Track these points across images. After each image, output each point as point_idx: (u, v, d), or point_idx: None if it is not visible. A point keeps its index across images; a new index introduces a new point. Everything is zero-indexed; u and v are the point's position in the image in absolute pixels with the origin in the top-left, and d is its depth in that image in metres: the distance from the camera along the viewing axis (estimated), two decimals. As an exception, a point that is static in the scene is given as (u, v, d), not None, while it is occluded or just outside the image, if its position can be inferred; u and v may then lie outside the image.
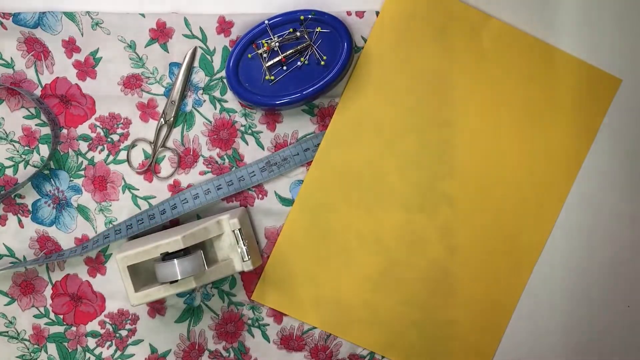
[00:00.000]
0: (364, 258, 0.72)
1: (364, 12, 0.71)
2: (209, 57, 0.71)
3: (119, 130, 0.72)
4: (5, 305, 0.73)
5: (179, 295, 0.72)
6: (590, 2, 0.71)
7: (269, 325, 0.73)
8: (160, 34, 0.71)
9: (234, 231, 0.65)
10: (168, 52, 0.71)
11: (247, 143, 0.72)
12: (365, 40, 0.71)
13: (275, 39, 0.69)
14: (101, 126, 0.72)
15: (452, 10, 0.70)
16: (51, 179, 0.72)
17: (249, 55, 0.69)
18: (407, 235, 0.72)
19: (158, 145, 0.71)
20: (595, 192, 0.72)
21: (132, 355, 0.73)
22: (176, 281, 0.63)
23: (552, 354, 0.73)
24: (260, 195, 0.72)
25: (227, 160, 0.72)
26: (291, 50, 0.69)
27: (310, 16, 0.68)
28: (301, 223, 0.72)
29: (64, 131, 0.72)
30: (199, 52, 0.71)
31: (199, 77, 0.71)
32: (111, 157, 0.72)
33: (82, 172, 0.72)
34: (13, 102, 0.71)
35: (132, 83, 0.71)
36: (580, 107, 0.71)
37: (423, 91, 0.71)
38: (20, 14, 0.70)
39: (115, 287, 0.72)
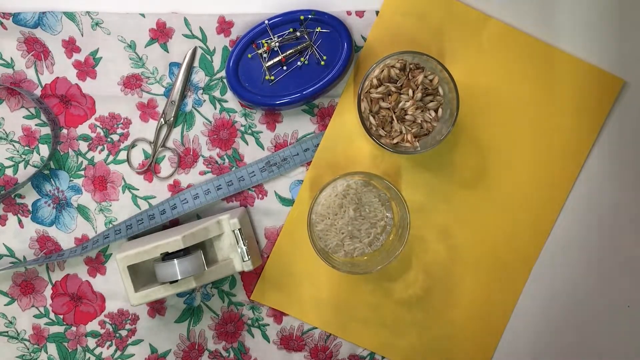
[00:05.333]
0: (364, 258, 0.72)
1: (364, 11, 0.71)
2: (209, 57, 0.71)
3: (119, 130, 0.72)
4: (5, 305, 0.73)
5: (179, 295, 0.72)
6: (591, 1, 0.71)
7: (268, 325, 0.73)
8: (160, 34, 0.71)
9: (234, 231, 0.65)
10: (168, 52, 0.71)
11: (247, 143, 0.72)
12: (365, 40, 0.71)
13: (275, 39, 0.69)
14: (101, 126, 0.72)
15: (452, 10, 0.70)
16: (51, 179, 0.72)
17: (249, 55, 0.69)
18: (407, 235, 0.72)
19: (158, 145, 0.71)
20: (596, 192, 0.72)
21: (132, 355, 0.73)
22: (176, 281, 0.63)
23: (552, 353, 0.73)
24: (260, 195, 0.72)
25: (227, 160, 0.72)
26: (291, 50, 0.69)
27: (310, 16, 0.68)
28: (301, 223, 0.72)
29: (64, 131, 0.72)
30: (199, 52, 0.71)
31: (199, 77, 0.71)
32: (111, 157, 0.72)
33: (82, 172, 0.72)
34: (13, 102, 0.71)
35: (132, 83, 0.71)
36: (582, 107, 0.71)
37: (423, 91, 0.71)
38: (20, 14, 0.70)
39: (115, 287, 0.72)
